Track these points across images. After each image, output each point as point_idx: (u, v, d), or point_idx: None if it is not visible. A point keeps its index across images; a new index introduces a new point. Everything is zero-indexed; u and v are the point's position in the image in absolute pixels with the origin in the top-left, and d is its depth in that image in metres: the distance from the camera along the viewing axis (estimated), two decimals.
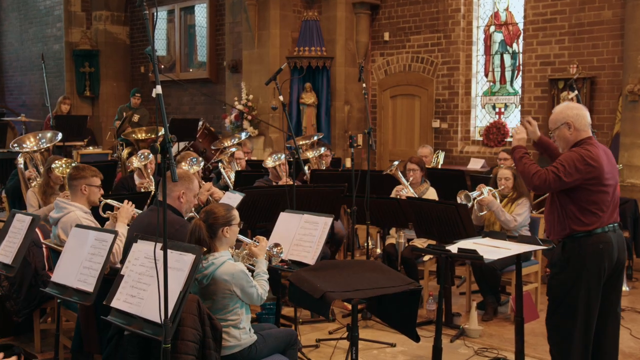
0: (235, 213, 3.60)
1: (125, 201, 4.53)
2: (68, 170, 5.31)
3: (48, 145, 6.25)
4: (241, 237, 3.75)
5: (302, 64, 10.64)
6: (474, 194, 5.56)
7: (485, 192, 5.61)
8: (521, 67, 9.59)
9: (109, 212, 4.56)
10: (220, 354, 3.34)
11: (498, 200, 5.68)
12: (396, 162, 6.24)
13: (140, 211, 4.60)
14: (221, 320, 3.41)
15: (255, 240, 3.78)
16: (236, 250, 3.77)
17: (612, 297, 3.81)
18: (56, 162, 5.51)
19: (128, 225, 4.40)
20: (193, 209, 4.33)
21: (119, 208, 4.52)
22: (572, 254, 3.69)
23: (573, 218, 3.68)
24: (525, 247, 4.06)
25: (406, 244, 5.89)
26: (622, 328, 5.26)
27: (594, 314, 3.71)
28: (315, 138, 8.30)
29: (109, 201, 4.64)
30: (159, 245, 2.86)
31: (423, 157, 7.98)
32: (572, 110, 3.76)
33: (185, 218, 4.05)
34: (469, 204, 5.32)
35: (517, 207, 5.63)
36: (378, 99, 11.12)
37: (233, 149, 7.10)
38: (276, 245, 3.85)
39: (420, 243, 5.84)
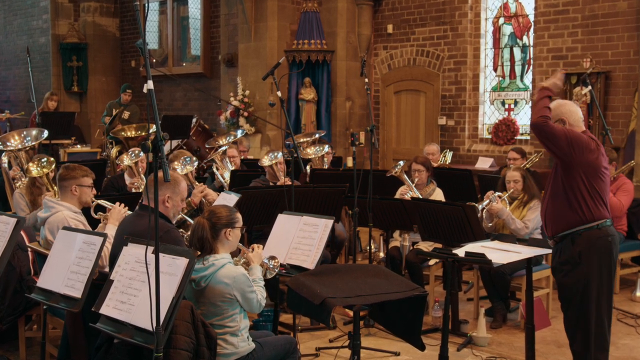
0: (239, 216, 3.66)
1: (117, 202, 4.53)
2: (45, 170, 5.31)
3: (33, 143, 6.26)
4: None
5: (301, 58, 10.63)
6: (483, 204, 5.56)
7: (493, 200, 5.60)
8: (532, 61, 9.58)
9: (101, 213, 4.57)
10: None
11: (508, 205, 5.68)
12: (401, 163, 6.23)
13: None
14: (219, 326, 3.43)
15: (250, 249, 3.82)
16: (234, 258, 3.79)
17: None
18: (29, 163, 5.48)
19: None
20: (186, 212, 4.32)
21: (110, 209, 4.52)
22: (584, 248, 3.82)
23: (582, 210, 3.81)
24: (536, 250, 4.06)
25: (411, 248, 5.89)
26: (636, 335, 5.28)
27: (609, 308, 3.86)
28: (317, 136, 8.29)
29: (101, 202, 4.64)
30: (151, 248, 2.86)
31: (430, 154, 7.98)
32: (564, 107, 3.95)
33: (174, 222, 4.03)
34: (477, 215, 5.32)
35: (529, 212, 5.62)
36: (381, 94, 11.12)
37: (225, 147, 7.10)
38: (272, 258, 3.86)
39: (426, 246, 5.84)
